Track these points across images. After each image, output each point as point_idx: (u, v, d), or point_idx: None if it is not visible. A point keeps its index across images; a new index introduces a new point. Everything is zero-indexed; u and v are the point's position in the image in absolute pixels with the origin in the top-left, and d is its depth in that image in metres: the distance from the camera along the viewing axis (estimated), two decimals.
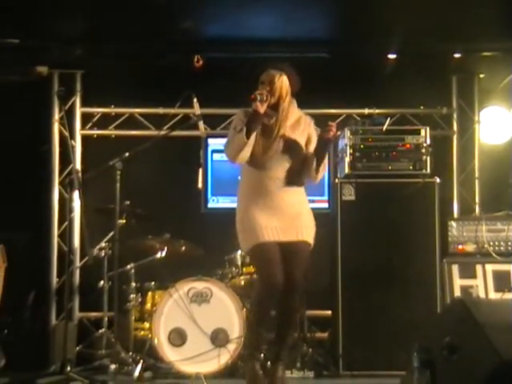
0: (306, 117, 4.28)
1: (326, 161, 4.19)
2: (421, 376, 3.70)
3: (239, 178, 4.30)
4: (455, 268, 5.49)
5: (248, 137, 3.96)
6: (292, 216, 4.12)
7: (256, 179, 4.12)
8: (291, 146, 4.12)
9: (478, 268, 5.49)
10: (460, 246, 5.58)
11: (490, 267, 5.48)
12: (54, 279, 6.17)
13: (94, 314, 6.09)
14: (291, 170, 4.13)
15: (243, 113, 4.15)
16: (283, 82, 4.11)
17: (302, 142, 4.17)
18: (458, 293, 5.41)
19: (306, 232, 4.17)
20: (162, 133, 5.02)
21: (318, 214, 5.85)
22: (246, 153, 4.01)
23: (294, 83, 4.17)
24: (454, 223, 5.65)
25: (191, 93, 4.20)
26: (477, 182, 6.39)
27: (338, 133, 4.17)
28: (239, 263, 5.37)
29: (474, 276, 5.47)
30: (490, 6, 5.11)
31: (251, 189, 4.15)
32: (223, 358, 4.75)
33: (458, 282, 5.45)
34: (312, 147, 4.18)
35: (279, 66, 4.16)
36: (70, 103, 6.24)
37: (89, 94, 6.36)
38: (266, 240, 4.04)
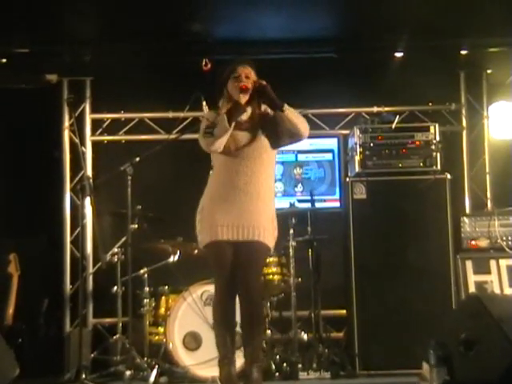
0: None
1: (290, 113, 4.00)
2: (438, 372, 3.69)
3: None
4: (469, 264, 5.47)
5: (230, 125, 3.91)
6: (253, 215, 4.01)
7: (225, 171, 4.05)
8: (263, 140, 4.07)
9: (492, 263, 5.47)
10: (473, 242, 5.57)
11: (504, 262, 5.46)
12: (68, 286, 6.18)
13: (108, 320, 6.08)
14: (264, 163, 4.06)
15: (214, 112, 4.09)
16: (254, 77, 4.07)
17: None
18: (472, 289, 5.39)
19: (263, 234, 4.03)
20: (172, 136, 5.03)
21: (329, 213, 5.91)
22: (222, 143, 3.95)
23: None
24: (466, 219, 5.64)
25: (200, 95, 4.19)
26: (488, 176, 6.37)
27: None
28: None
29: (488, 271, 5.45)
30: (496, 1, 5.10)
31: (219, 182, 4.07)
32: (238, 360, 4.74)
33: (473, 278, 5.44)
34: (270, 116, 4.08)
35: (248, 61, 4.12)
36: (79, 110, 6.27)
37: (98, 100, 6.38)
38: (220, 239, 3.98)
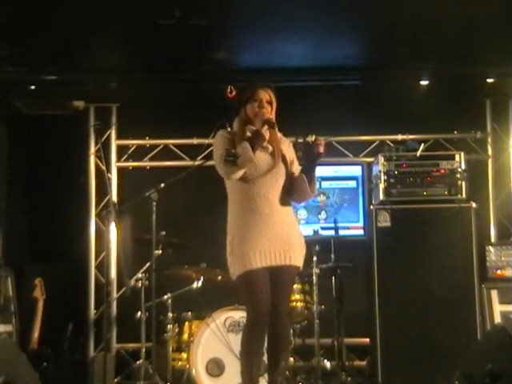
0: (285, 138, 4.19)
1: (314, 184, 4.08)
2: None
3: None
4: (494, 293, 5.42)
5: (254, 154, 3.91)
6: (283, 238, 3.97)
7: (246, 197, 4.00)
8: (281, 167, 4.07)
9: None
10: (498, 271, 5.52)
11: None
12: (92, 311, 6.22)
13: (131, 345, 6.11)
14: (280, 188, 4.05)
15: (227, 133, 4.10)
16: (274, 101, 4.08)
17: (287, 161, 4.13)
18: (498, 319, 5.34)
19: (294, 256, 4.01)
20: (197, 163, 5.05)
21: (353, 241, 5.90)
22: (243, 170, 3.95)
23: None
24: (491, 248, 5.60)
25: (225, 122, 4.22)
26: None
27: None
28: None
29: None
30: None
31: (242, 208, 4.01)
32: None
33: (498, 308, 5.38)
34: (295, 168, 4.13)
35: (268, 85, 4.10)
36: (105, 136, 6.33)
37: (124, 127, 6.46)
38: (255, 267, 3.91)
